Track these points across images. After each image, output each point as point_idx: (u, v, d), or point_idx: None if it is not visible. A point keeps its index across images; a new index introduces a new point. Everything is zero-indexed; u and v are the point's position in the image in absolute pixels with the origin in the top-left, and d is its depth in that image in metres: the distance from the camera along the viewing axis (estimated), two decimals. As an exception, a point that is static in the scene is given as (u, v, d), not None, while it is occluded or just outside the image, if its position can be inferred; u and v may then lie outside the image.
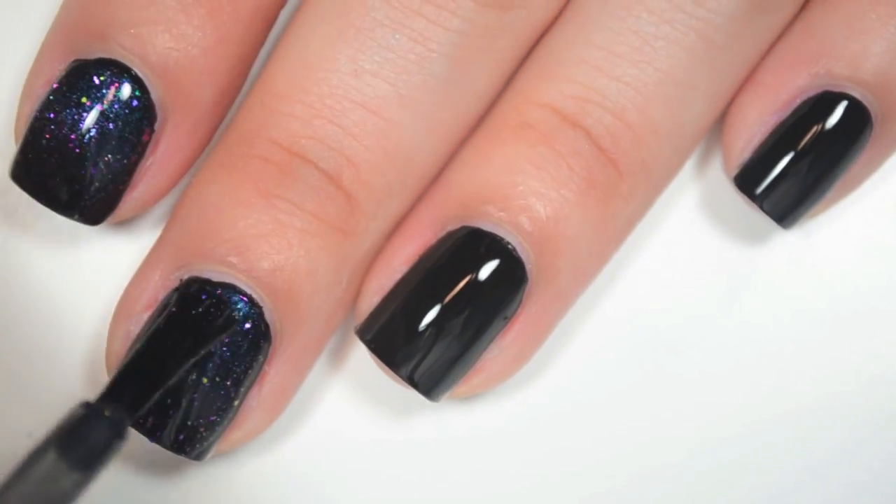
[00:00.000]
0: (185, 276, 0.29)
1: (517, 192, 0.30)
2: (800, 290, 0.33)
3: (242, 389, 0.29)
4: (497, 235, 0.29)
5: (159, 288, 0.29)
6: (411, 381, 0.29)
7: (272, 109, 0.30)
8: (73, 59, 0.29)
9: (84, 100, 0.29)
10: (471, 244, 0.29)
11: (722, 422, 0.33)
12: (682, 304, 0.33)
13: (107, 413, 0.26)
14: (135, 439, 0.31)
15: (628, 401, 0.33)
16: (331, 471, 0.32)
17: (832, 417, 0.33)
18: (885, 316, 0.33)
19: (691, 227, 0.34)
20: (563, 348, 0.33)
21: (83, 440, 0.26)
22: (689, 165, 0.34)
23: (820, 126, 0.31)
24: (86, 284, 0.32)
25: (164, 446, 0.29)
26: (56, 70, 0.30)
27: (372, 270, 0.30)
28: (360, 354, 0.32)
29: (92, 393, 0.32)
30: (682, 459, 0.33)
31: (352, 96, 0.29)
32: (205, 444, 0.29)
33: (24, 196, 0.30)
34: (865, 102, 0.31)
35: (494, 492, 0.32)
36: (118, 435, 0.26)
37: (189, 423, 0.29)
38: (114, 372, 0.29)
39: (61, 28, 0.30)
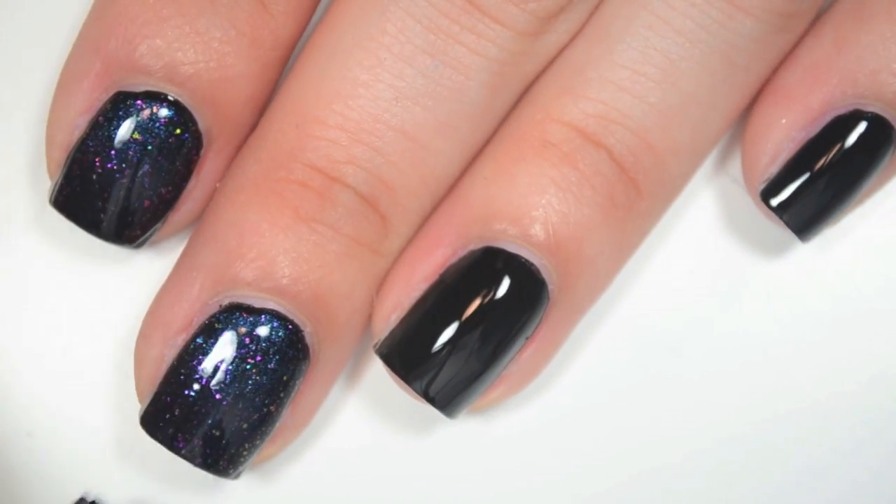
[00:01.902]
0: (226, 302, 0.29)
1: (540, 214, 0.29)
2: (800, 290, 0.33)
3: (284, 411, 0.29)
4: (520, 256, 0.29)
5: (196, 311, 0.29)
6: (429, 398, 0.29)
7: (310, 134, 0.29)
8: (115, 89, 0.29)
9: (135, 135, 0.29)
10: (493, 263, 0.29)
11: (723, 422, 0.33)
12: (683, 305, 0.33)
13: None
14: (139, 444, 0.31)
15: (630, 401, 0.33)
16: (341, 480, 0.32)
17: (832, 417, 0.33)
18: (885, 316, 0.33)
19: (693, 230, 0.33)
20: (565, 350, 0.33)
21: None
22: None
23: (848, 144, 0.30)
24: (86, 283, 0.32)
25: (208, 470, 0.29)
26: (96, 99, 0.29)
27: (388, 285, 0.30)
28: (373, 365, 0.32)
29: (92, 392, 0.32)
30: (683, 459, 0.33)
31: (391, 123, 0.29)
32: (243, 465, 0.29)
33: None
34: (893, 122, 0.30)
35: (497, 492, 0.32)
36: None
37: (234, 446, 0.29)
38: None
39: (96, 52, 0.30)
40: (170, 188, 0.30)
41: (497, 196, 0.30)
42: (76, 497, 0.31)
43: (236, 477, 0.29)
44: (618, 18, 0.30)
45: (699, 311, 0.33)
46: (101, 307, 0.32)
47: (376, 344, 0.30)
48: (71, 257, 0.32)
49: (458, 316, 0.29)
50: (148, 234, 0.30)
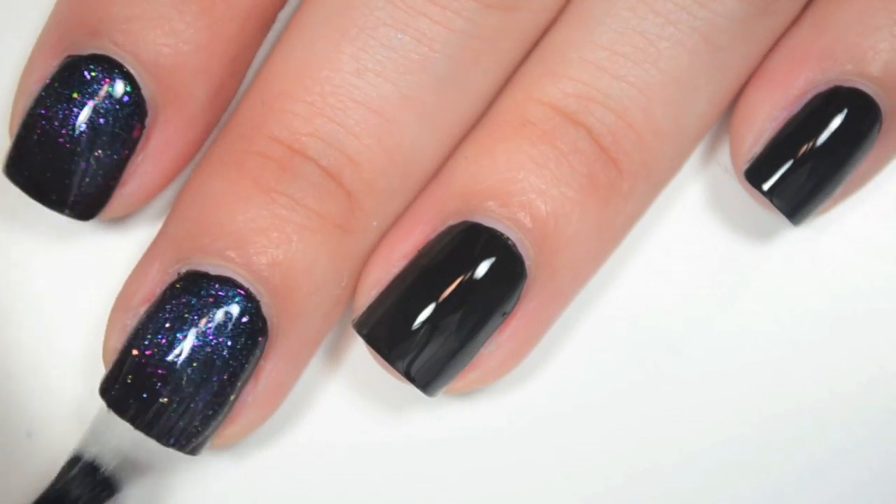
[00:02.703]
0: (184, 270, 0.29)
1: (518, 189, 0.30)
2: (800, 290, 0.33)
3: (238, 384, 0.29)
4: (497, 231, 0.29)
5: (157, 282, 0.30)
6: (408, 376, 0.29)
7: (273, 107, 0.30)
8: (65, 55, 0.30)
9: (75, 95, 0.29)
10: (470, 239, 0.29)
11: (722, 421, 0.33)
12: (682, 303, 0.33)
13: (97, 473, 0.26)
14: (140, 445, 0.31)
15: (628, 400, 0.33)
16: (327, 467, 0.32)
17: (832, 417, 0.33)
18: (885, 316, 0.33)
19: (692, 227, 0.33)
20: (563, 347, 0.33)
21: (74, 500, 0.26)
22: (690, 164, 0.34)
23: (830, 121, 0.31)
24: (86, 282, 0.32)
25: (161, 441, 0.29)
26: (49, 66, 0.30)
27: (370, 263, 0.30)
28: (358, 349, 0.32)
29: (92, 392, 0.32)
30: (682, 459, 0.33)
31: (354, 95, 0.29)
32: (199, 438, 0.29)
33: (24, 195, 0.30)
34: (875, 98, 0.31)
35: (494, 491, 0.32)
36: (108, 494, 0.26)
37: (184, 418, 0.29)
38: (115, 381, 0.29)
39: (55, 25, 0.30)
40: (111, 155, 0.29)
41: (476, 174, 0.30)
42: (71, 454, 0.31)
43: (193, 452, 0.29)
44: (599, 1, 0.30)
45: (698, 311, 0.33)
46: (102, 307, 0.32)
47: (354, 320, 0.30)
48: (71, 256, 0.32)
49: (435, 292, 0.29)
50: (94, 204, 0.30)
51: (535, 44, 0.31)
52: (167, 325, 0.29)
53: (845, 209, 0.33)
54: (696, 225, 0.33)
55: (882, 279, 0.33)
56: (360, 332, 0.30)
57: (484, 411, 0.33)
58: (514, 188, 0.30)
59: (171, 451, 0.29)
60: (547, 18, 0.31)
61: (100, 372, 0.32)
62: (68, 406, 0.32)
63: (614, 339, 0.33)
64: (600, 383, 0.33)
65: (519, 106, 0.30)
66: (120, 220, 0.32)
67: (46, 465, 0.32)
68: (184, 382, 0.29)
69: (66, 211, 0.30)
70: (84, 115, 0.29)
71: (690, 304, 0.33)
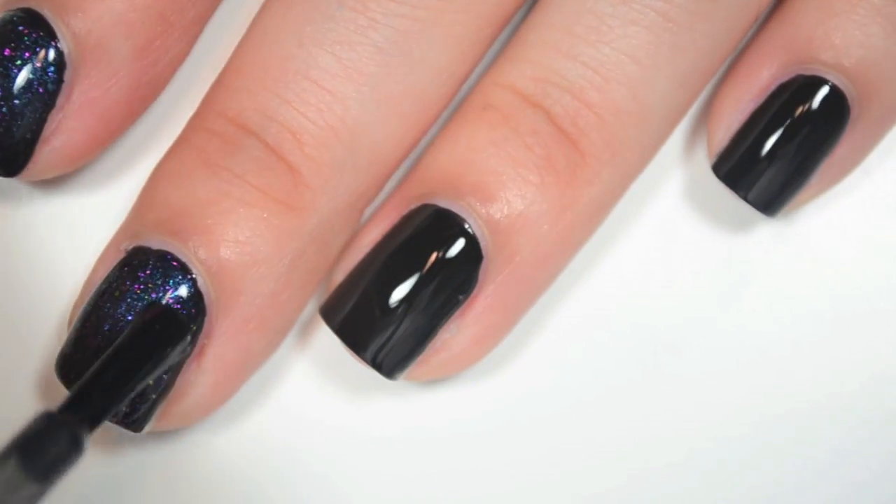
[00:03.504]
0: (130, 247, 0.29)
1: (475, 170, 0.30)
2: (800, 290, 0.33)
3: (176, 358, 0.29)
4: (451, 212, 0.30)
5: (112, 259, 0.30)
6: (369, 360, 0.30)
7: (226, 84, 0.30)
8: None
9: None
10: (428, 221, 0.30)
11: (721, 421, 0.33)
12: (681, 303, 0.33)
13: (67, 424, 0.26)
14: (140, 444, 0.31)
15: (627, 400, 0.33)
16: (299, 459, 0.32)
17: (832, 417, 0.33)
18: (885, 316, 0.33)
19: (691, 226, 0.33)
20: (562, 347, 0.33)
21: (44, 451, 0.25)
22: (689, 163, 0.34)
23: (796, 111, 0.31)
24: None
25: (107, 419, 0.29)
26: None
27: (343, 253, 0.31)
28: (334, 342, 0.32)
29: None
30: (681, 459, 0.33)
31: (296, 68, 0.29)
32: (140, 414, 0.29)
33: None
34: (841, 86, 0.31)
35: (492, 491, 0.32)
36: (77, 446, 0.26)
37: (126, 394, 0.28)
38: (75, 386, 0.28)
39: None
40: (28, 106, 0.29)
41: (438, 158, 0.30)
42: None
43: (136, 429, 0.29)
44: None
45: (698, 310, 0.33)
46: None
47: (321, 305, 0.30)
48: (71, 257, 0.32)
49: (393, 275, 0.29)
50: (17, 159, 0.30)
51: (498, 24, 0.31)
52: (110, 301, 0.29)
53: (843, 208, 0.33)
54: (696, 224, 0.33)
55: (882, 279, 0.33)
56: (322, 316, 0.30)
57: (482, 410, 0.33)
58: (471, 170, 0.30)
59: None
60: None
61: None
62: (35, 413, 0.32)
63: (613, 337, 0.33)
64: (599, 383, 0.33)
65: (482, 91, 0.31)
66: (117, 217, 0.32)
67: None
68: (121, 358, 0.28)
69: None
70: (5, 64, 0.29)
71: (690, 304, 0.33)
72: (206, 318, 0.29)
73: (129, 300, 0.29)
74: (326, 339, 0.32)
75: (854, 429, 0.33)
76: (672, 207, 0.33)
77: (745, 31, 0.31)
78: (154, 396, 0.29)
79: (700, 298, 0.33)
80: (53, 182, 0.33)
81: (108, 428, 0.29)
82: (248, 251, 0.29)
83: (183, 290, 0.29)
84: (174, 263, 0.29)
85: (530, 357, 0.33)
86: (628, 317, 0.33)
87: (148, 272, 0.29)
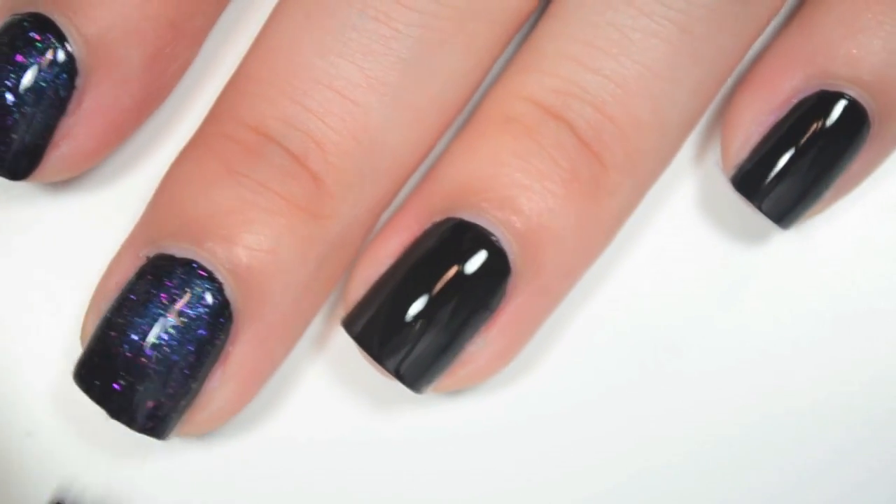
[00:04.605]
0: (152, 254, 0.29)
1: (501, 185, 0.30)
2: (800, 290, 0.33)
3: (203, 367, 0.29)
4: (480, 226, 0.29)
5: (129, 266, 0.30)
6: (395, 373, 0.29)
7: (243, 91, 0.30)
8: (8, 16, 0.30)
9: (11, 54, 0.29)
10: (455, 236, 0.29)
11: (721, 421, 0.33)
12: (681, 303, 0.33)
13: None
14: (141, 444, 0.31)
15: (627, 400, 0.33)
16: (309, 462, 0.32)
17: (832, 417, 0.33)
18: (885, 316, 0.33)
19: (691, 227, 0.33)
20: (562, 347, 0.33)
21: None
22: (689, 163, 0.34)
23: (817, 125, 0.31)
24: (88, 283, 0.32)
25: (128, 425, 0.29)
26: None
27: (359, 261, 0.30)
28: (346, 345, 0.32)
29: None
30: (681, 459, 0.33)
31: (317, 77, 0.29)
32: (166, 422, 0.29)
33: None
34: (862, 102, 0.31)
35: (493, 491, 0.32)
36: None
37: (149, 401, 0.29)
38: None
39: None
40: (38, 110, 0.29)
41: (460, 171, 0.30)
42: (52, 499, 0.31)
43: (160, 436, 0.29)
44: None
45: (698, 310, 0.33)
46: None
47: (343, 318, 0.30)
48: (72, 257, 0.32)
49: (421, 288, 0.29)
50: (25, 164, 0.30)
51: (514, 30, 0.31)
52: (133, 308, 0.29)
53: (845, 209, 0.33)
54: (696, 224, 0.33)
55: (882, 279, 0.33)
56: (347, 329, 0.30)
57: (482, 410, 0.33)
58: (497, 184, 0.30)
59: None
60: (519, 2, 0.31)
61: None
62: (68, 406, 0.32)
63: (614, 338, 0.33)
64: (599, 383, 0.33)
65: (500, 102, 0.30)
66: (120, 223, 0.32)
67: (46, 465, 0.32)
68: (148, 365, 0.29)
69: None
70: (14, 72, 0.29)
71: (690, 304, 0.33)
72: (233, 325, 0.29)
73: (153, 309, 0.29)
74: (327, 341, 0.32)
75: (854, 429, 0.33)
76: (672, 208, 0.33)
77: (756, 39, 0.32)
78: (183, 404, 0.29)
79: (700, 298, 0.33)
80: (57, 183, 0.33)
81: (126, 434, 0.30)
82: (273, 259, 0.29)
83: (209, 299, 0.29)
84: (201, 272, 0.29)
85: (529, 357, 0.33)
86: (628, 317, 0.33)
87: (174, 281, 0.29)
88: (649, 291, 0.33)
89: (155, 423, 0.29)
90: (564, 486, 0.32)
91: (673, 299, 0.33)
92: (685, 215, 0.33)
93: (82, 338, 0.30)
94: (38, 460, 0.32)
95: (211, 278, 0.29)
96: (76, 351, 0.32)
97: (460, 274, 0.29)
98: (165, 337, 0.29)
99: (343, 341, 0.32)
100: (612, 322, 0.33)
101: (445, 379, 0.30)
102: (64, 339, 0.32)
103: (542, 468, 0.32)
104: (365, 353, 0.30)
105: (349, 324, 0.30)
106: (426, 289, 0.29)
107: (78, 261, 0.32)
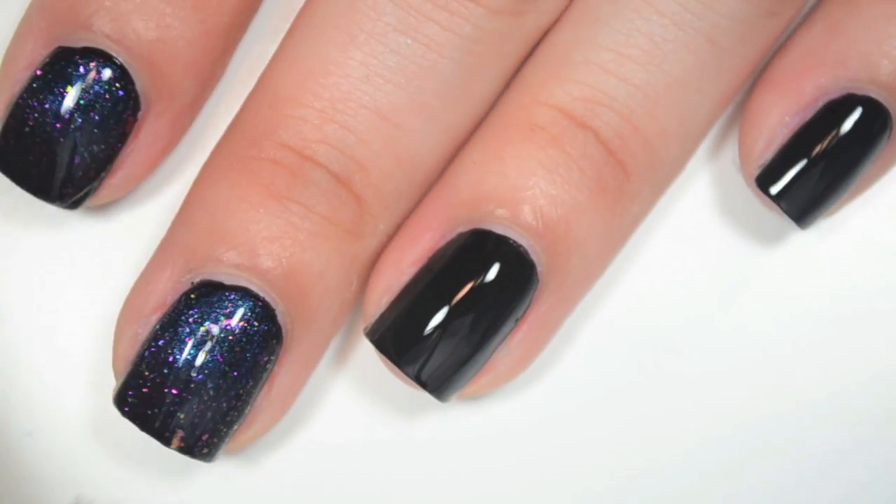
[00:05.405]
0: (197, 279, 0.29)
1: (529, 196, 0.29)
2: (800, 290, 0.33)
3: (255, 393, 0.29)
4: (508, 238, 0.29)
5: (168, 290, 0.29)
6: (421, 382, 0.29)
7: (282, 113, 0.29)
8: (56, 45, 0.29)
9: (69, 88, 0.29)
10: (481, 246, 0.29)
11: (722, 421, 0.33)
12: (682, 303, 0.33)
13: None
14: (141, 444, 0.31)
15: (628, 400, 0.33)
16: (334, 468, 0.32)
17: (832, 417, 0.33)
18: (885, 316, 0.33)
19: (692, 227, 0.33)
20: (563, 348, 0.33)
21: None
22: (691, 166, 0.34)
23: (842, 129, 0.31)
24: (87, 281, 0.32)
25: (178, 451, 0.29)
26: (38, 55, 0.30)
27: (379, 270, 0.30)
28: (365, 352, 0.32)
29: (92, 393, 0.32)
30: (681, 459, 0.33)
31: (363, 101, 0.29)
32: (215, 447, 0.29)
33: (24, 194, 0.30)
34: (887, 105, 0.31)
35: (494, 491, 0.32)
36: None
37: (204, 427, 0.29)
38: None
39: (43, 11, 0.30)
40: (103, 147, 0.30)
41: (485, 179, 0.30)
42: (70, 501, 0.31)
43: (209, 459, 0.29)
44: (604, 2, 0.30)
45: (698, 310, 0.33)
46: (103, 306, 0.32)
47: (366, 328, 0.30)
48: (72, 257, 0.32)
49: (447, 299, 0.29)
50: (81, 193, 0.30)
51: (536, 41, 0.31)
52: (182, 335, 0.29)
53: (846, 209, 0.33)
54: (696, 225, 0.33)
55: (882, 279, 0.33)
56: (372, 339, 0.30)
57: (484, 412, 0.33)
58: (526, 195, 0.29)
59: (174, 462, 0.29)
60: (549, 20, 0.31)
61: (100, 371, 0.32)
62: (68, 406, 0.32)
63: (615, 338, 0.33)
64: (600, 383, 0.33)
65: (526, 109, 0.30)
66: (120, 218, 0.32)
67: (46, 466, 0.32)
68: (201, 393, 0.29)
69: (57, 202, 0.30)
70: (78, 107, 0.29)
71: (690, 304, 0.33)
72: (283, 348, 0.29)
73: (203, 335, 0.29)
74: (343, 348, 0.32)
75: (854, 429, 0.33)
76: (672, 208, 0.33)
77: (774, 46, 0.32)
78: (229, 431, 0.29)
79: (700, 298, 0.33)
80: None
81: (127, 434, 0.30)
82: (322, 282, 0.29)
83: (262, 324, 0.29)
84: (255, 299, 0.29)
85: (531, 357, 0.33)
86: (628, 317, 0.33)
87: (228, 307, 0.29)
88: (649, 291, 0.33)
89: (210, 450, 0.29)
90: (565, 486, 0.32)
91: (673, 299, 0.33)
92: (685, 216, 0.33)
93: (116, 361, 0.30)
94: (38, 460, 0.32)
95: (264, 305, 0.29)
96: (76, 350, 0.32)
97: (488, 285, 0.29)
98: (218, 365, 0.29)
99: (356, 347, 0.32)
100: (613, 322, 0.33)
101: (469, 387, 0.30)
102: (64, 338, 0.32)
103: (543, 468, 0.32)
104: (389, 363, 0.30)
105: (374, 334, 0.30)
106: (451, 300, 0.29)
107: (78, 261, 0.32)
